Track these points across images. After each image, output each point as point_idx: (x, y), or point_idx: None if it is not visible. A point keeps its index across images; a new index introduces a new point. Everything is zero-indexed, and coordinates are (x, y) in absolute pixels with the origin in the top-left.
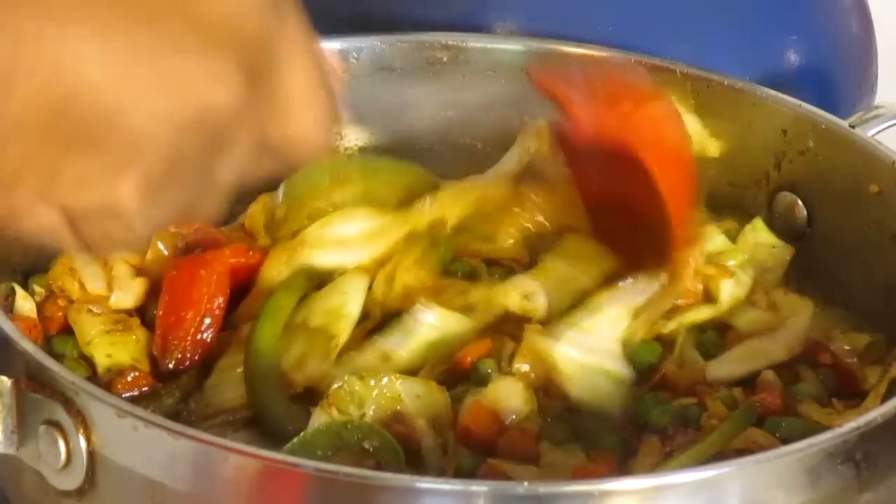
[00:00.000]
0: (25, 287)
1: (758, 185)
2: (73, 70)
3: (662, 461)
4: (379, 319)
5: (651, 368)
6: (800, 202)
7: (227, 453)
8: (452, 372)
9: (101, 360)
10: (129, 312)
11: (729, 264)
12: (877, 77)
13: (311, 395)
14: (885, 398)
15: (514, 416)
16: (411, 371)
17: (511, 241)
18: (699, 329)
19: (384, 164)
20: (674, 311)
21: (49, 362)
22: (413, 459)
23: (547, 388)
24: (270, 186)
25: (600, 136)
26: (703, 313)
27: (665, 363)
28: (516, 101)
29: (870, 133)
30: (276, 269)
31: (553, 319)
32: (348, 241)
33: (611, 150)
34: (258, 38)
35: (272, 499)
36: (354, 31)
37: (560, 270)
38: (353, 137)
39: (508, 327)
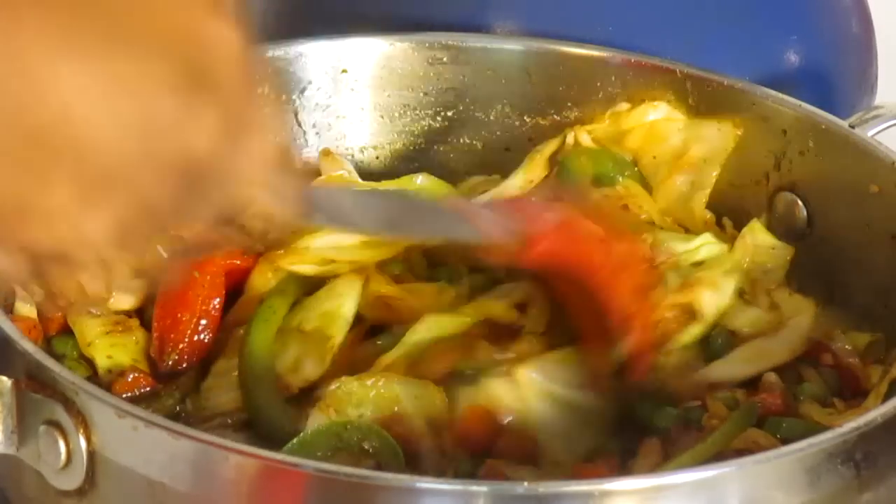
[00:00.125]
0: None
1: (758, 185)
2: (57, 100)
3: (663, 461)
4: (373, 321)
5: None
6: (800, 202)
7: (227, 453)
8: (449, 372)
9: (102, 361)
10: (128, 314)
11: (715, 272)
12: (877, 77)
13: (307, 398)
14: (886, 398)
15: (510, 417)
16: (407, 371)
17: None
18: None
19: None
20: (665, 338)
21: (49, 362)
22: (411, 461)
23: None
24: None
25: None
26: (691, 332)
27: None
28: (516, 101)
29: (870, 133)
30: (263, 278)
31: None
32: (333, 253)
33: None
34: (240, 93)
35: (272, 499)
36: (354, 31)
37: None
38: (354, 138)
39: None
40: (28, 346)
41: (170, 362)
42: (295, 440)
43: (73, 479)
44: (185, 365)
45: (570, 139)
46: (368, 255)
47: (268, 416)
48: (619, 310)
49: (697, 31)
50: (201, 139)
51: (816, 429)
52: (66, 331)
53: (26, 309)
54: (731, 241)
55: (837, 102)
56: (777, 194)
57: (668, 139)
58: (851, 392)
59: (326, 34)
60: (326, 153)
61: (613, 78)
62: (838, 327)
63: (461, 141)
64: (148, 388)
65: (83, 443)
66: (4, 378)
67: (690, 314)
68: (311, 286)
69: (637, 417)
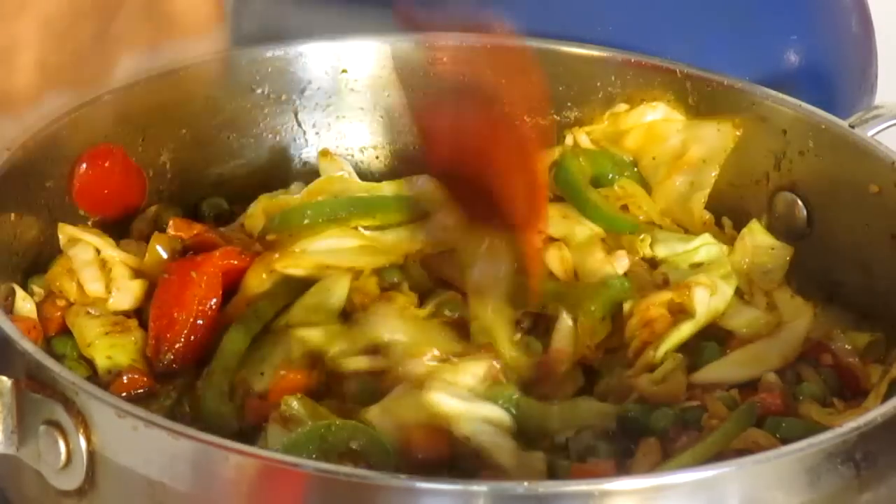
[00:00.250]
0: (25, 287)
1: (758, 185)
2: None
3: (662, 461)
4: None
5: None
6: (800, 202)
7: (227, 453)
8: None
9: (102, 361)
10: (126, 314)
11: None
12: (877, 77)
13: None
14: (886, 398)
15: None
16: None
17: None
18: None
19: (379, 201)
20: (656, 338)
21: (49, 362)
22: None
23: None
24: (270, 187)
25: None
26: (683, 331)
27: (642, 382)
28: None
29: (870, 133)
30: (257, 279)
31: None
32: (329, 257)
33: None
34: None
35: (272, 499)
36: (354, 31)
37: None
38: (354, 138)
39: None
40: (28, 346)
41: (165, 361)
42: (284, 440)
43: (73, 479)
44: (180, 364)
45: (568, 140)
46: (365, 261)
47: (208, 409)
48: (516, 201)
49: (697, 31)
50: None
51: (816, 429)
52: (66, 331)
53: (26, 309)
54: (730, 241)
55: (837, 102)
56: (777, 194)
57: (667, 139)
58: (851, 392)
59: (326, 35)
60: (326, 153)
61: (613, 78)
62: (838, 327)
63: None
64: (146, 389)
65: (83, 443)
66: (4, 378)
67: (683, 313)
68: (303, 290)
69: (635, 420)
